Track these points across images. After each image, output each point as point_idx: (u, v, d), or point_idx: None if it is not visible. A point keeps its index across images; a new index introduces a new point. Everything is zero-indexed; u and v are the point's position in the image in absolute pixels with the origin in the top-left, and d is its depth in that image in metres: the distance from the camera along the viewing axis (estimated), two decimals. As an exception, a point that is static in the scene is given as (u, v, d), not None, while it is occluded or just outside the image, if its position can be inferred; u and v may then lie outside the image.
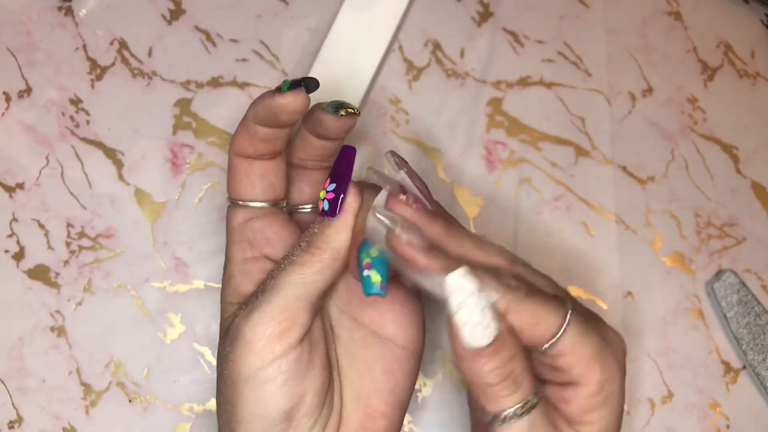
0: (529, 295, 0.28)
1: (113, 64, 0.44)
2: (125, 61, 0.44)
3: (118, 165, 0.43)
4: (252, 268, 0.32)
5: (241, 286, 0.32)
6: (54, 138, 0.43)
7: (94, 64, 0.44)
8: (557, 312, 0.28)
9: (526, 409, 0.27)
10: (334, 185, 0.30)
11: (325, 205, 0.30)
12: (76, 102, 0.43)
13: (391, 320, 0.33)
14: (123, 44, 0.44)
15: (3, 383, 0.41)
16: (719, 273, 0.43)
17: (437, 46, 0.45)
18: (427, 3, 0.45)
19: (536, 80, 0.45)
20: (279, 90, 0.30)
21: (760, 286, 0.43)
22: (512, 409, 0.27)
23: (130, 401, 0.41)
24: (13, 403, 0.41)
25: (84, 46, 0.44)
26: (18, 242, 0.42)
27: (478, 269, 0.27)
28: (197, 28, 0.44)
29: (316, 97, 0.41)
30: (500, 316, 0.27)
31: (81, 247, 0.42)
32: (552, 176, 0.44)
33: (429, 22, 0.45)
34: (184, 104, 0.43)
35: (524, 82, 0.45)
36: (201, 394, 0.41)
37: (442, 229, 0.30)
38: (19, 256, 0.42)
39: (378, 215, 0.29)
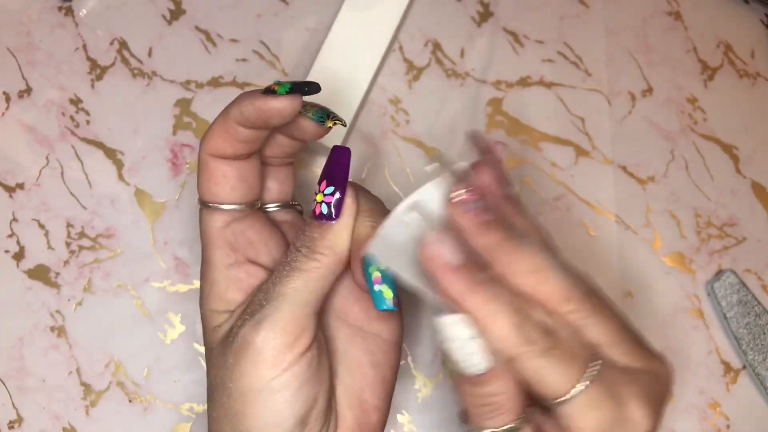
0: (544, 353, 0.26)
1: (113, 64, 0.44)
2: (125, 61, 0.44)
3: (118, 165, 0.43)
4: (238, 273, 0.31)
5: (228, 293, 0.31)
6: (54, 138, 0.43)
7: (94, 64, 0.44)
8: (570, 376, 0.26)
9: None
10: (332, 188, 0.29)
11: (323, 209, 0.30)
12: (76, 102, 0.43)
13: (376, 316, 0.33)
14: (123, 44, 0.44)
15: (3, 383, 0.41)
16: (719, 273, 0.43)
17: (437, 46, 0.45)
18: (427, 3, 0.45)
19: (536, 80, 0.45)
20: (271, 92, 0.29)
21: (760, 286, 0.43)
22: (490, 430, 0.27)
23: (130, 401, 0.41)
24: (13, 403, 0.41)
25: (84, 46, 0.44)
26: (18, 242, 0.42)
27: (499, 312, 0.25)
28: (197, 28, 0.44)
29: (313, 99, 0.41)
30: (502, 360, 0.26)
31: (81, 247, 0.42)
32: (552, 176, 0.44)
33: (429, 22, 0.45)
34: (184, 104, 0.43)
35: (524, 82, 0.45)
36: (201, 394, 0.41)
37: (495, 240, 0.27)
38: (19, 256, 0.42)
39: (403, 217, 0.28)
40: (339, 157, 0.30)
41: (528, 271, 0.27)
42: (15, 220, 0.42)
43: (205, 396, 0.41)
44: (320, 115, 0.31)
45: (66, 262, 0.42)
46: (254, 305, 0.30)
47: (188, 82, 0.44)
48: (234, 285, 0.31)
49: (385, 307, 0.29)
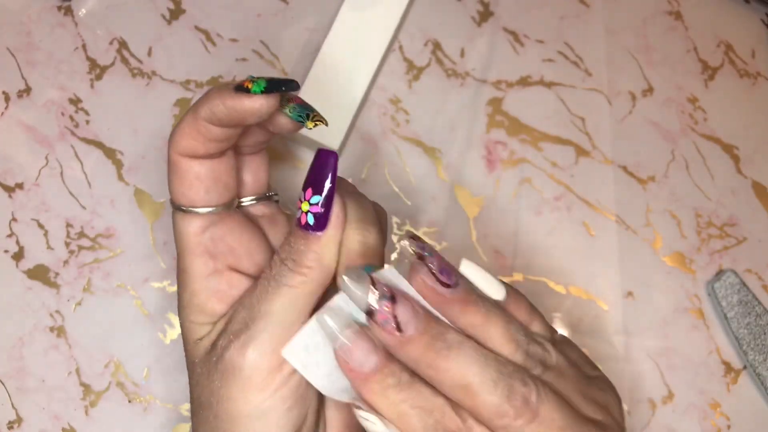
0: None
1: (113, 63, 0.44)
2: (125, 60, 0.44)
3: (118, 165, 0.43)
4: (219, 284, 0.29)
5: (209, 305, 0.29)
6: (54, 138, 0.43)
7: (93, 63, 0.44)
8: None
9: None
10: (318, 197, 0.27)
11: (310, 219, 0.27)
12: (75, 102, 0.43)
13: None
14: (123, 44, 0.44)
15: (2, 383, 0.41)
16: (719, 273, 0.43)
17: (437, 46, 0.45)
18: (427, 3, 0.45)
19: (536, 80, 0.45)
20: (244, 90, 0.27)
21: (760, 286, 0.43)
22: None
23: (130, 401, 0.41)
24: (12, 404, 0.40)
25: (84, 46, 0.44)
26: (17, 242, 0.42)
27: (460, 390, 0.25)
28: (197, 28, 0.44)
29: (313, 98, 0.41)
30: None
31: (81, 247, 0.42)
32: (552, 176, 0.44)
33: (429, 22, 0.45)
34: (184, 104, 0.43)
35: (524, 82, 0.45)
36: (201, 394, 0.41)
37: (414, 356, 0.26)
38: (18, 256, 0.42)
39: (324, 320, 0.26)
40: (325, 162, 0.27)
41: (453, 387, 0.25)
42: (14, 220, 0.42)
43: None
44: (299, 113, 0.28)
45: (65, 262, 0.42)
46: (238, 322, 0.28)
47: (188, 81, 0.44)
48: (215, 296, 0.29)
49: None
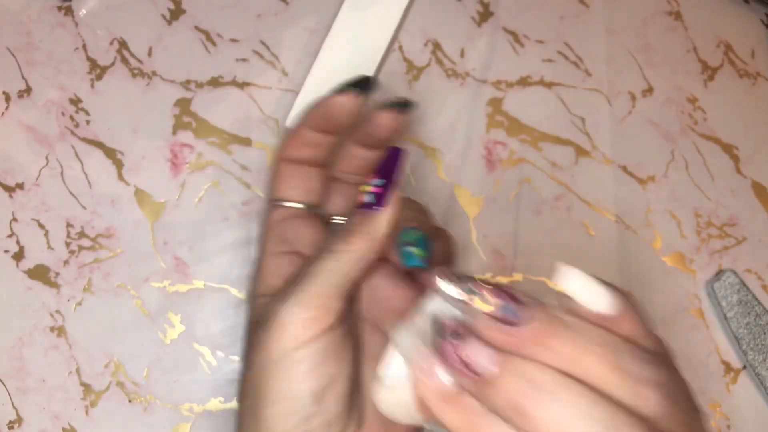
0: None
1: (113, 63, 0.44)
2: (125, 60, 0.44)
3: (118, 165, 0.43)
4: (283, 260, 0.33)
5: (270, 279, 0.33)
6: (54, 138, 0.43)
7: (93, 63, 0.44)
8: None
9: None
10: (382, 180, 0.31)
11: (370, 198, 0.31)
12: (75, 102, 0.43)
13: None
14: (123, 44, 0.44)
15: (3, 383, 0.41)
16: (719, 273, 0.43)
17: (437, 46, 0.45)
18: (427, 3, 0.45)
19: (536, 80, 0.45)
20: (337, 91, 0.32)
21: (760, 286, 0.43)
22: None
23: (130, 401, 0.41)
24: (12, 403, 0.40)
25: (84, 46, 0.44)
26: (18, 242, 0.42)
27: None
28: (197, 28, 0.44)
29: (314, 98, 0.41)
30: None
31: (81, 247, 0.42)
32: (552, 176, 0.44)
33: (429, 22, 0.45)
34: (184, 104, 0.43)
35: (524, 82, 0.45)
36: (201, 394, 0.41)
37: (531, 333, 0.22)
38: (18, 256, 0.42)
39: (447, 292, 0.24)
40: (392, 155, 0.32)
41: (583, 353, 0.22)
42: (15, 220, 0.42)
43: (205, 396, 0.41)
44: (395, 102, 0.32)
45: (66, 262, 0.42)
46: (288, 285, 0.31)
47: (188, 81, 0.44)
48: (276, 271, 0.33)
49: (412, 263, 0.30)
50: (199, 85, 0.44)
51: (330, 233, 0.32)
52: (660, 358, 0.24)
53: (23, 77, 0.43)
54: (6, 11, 0.44)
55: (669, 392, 0.22)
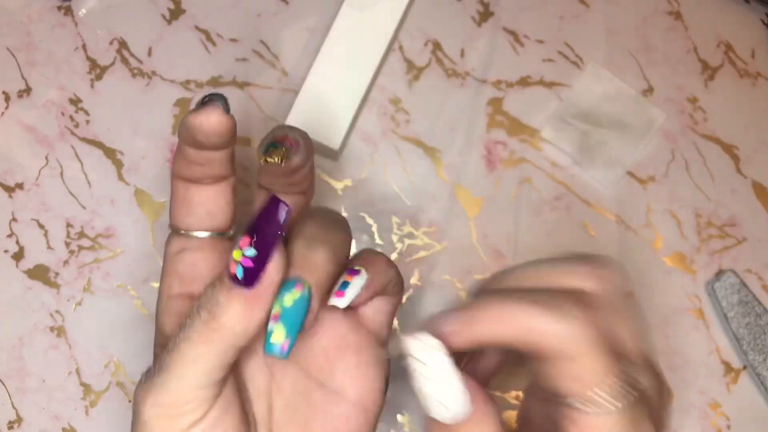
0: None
1: (113, 63, 0.44)
2: (125, 60, 0.44)
3: (118, 165, 0.43)
4: (174, 306, 0.28)
5: (164, 327, 0.28)
6: (54, 138, 0.43)
7: (93, 63, 0.44)
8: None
9: None
10: (253, 250, 0.24)
11: (238, 271, 0.24)
12: (75, 102, 0.43)
13: (342, 370, 0.28)
14: (123, 44, 0.44)
15: (2, 383, 0.41)
16: (719, 273, 0.43)
17: (437, 46, 0.45)
18: (427, 3, 0.45)
19: (536, 80, 0.45)
20: (194, 108, 0.26)
21: (760, 286, 0.43)
22: None
23: (130, 401, 0.41)
24: (12, 403, 0.40)
25: (84, 46, 0.44)
26: (17, 242, 0.42)
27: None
28: (197, 28, 0.44)
29: (313, 98, 0.41)
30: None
31: (81, 247, 0.42)
32: (552, 176, 0.44)
33: (429, 22, 0.45)
34: (183, 104, 0.43)
35: (524, 82, 0.45)
36: (201, 394, 0.41)
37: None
38: (18, 256, 0.42)
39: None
40: (270, 210, 0.25)
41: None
42: (14, 220, 0.42)
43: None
44: (265, 147, 0.27)
45: (65, 262, 0.42)
46: (157, 366, 0.26)
47: (188, 81, 0.44)
48: (170, 319, 0.28)
49: (269, 351, 0.25)
50: (199, 85, 0.44)
51: (195, 306, 0.25)
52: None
53: (23, 77, 0.43)
54: (6, 11, 0.44)
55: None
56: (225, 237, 0.29)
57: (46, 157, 0.43)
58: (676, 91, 0.45)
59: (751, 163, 0.45)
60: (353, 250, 0.38)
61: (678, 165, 0.44)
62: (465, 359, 0.29)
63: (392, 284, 0.29)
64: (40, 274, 0.42)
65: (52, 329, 0.41)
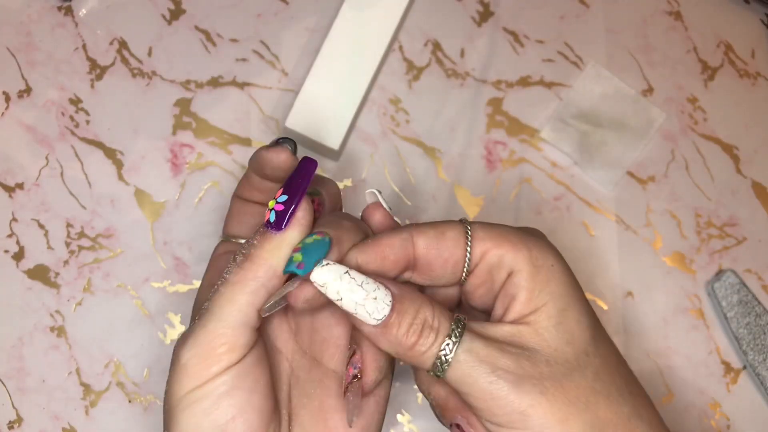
0: (416, 226, 0.29)
1: (113, 63, 0.44)
2: (125, 60, 0.44)
3: (118, 165, 0.43)
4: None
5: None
6: (54, 138, 0.43)
7: (93, 63, 0.44)
8: (455, 225, 0.29)
9: (456, 342, 0.27)
10: (285, 196, 0.28)
11: (272, 216, 0.28)
12: (75, 102, 0.43)
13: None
14: (123, 44, 0.44)
15: (3, 383, 0.41)
16: (719, 273, 0.43)
17: (437, 46, 0.45)
18: (427, 3, 0.45)
19: (536, 80, 0.45)
20: (269, 146, 0.31)
21: (760, 286, 0.43)
22: (443, 351, 0.27)
23: (130, 401, 0.41)
24: (12, 403, 0.40)
25: (84, 46, 0.44)
26: (18, 242, 0.42)
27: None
28: (197, 28, 0.44)
29: (313, 98, 0.41)
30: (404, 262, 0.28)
31: (81, 247, 0.42)
32: (552, 176, 0.44)
33: (429, 22, 0.45)
34: (184, 104, 0.43)
35: (524, 82, 0.45)
36: (201, 394, 0.41)
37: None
38: (18, 256, 0.42)
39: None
40: (302, 167, 0.29)
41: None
42: (15, 220, 0.42)
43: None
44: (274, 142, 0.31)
45: (66, 262, 0.42)
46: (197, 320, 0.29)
47: (188, 81, 0.44)
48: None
49: (288, 269, 0.27)
50: (199, 85, 0.44)
51: (232, 258, 0.29)
52: None
53: (23, 77, 0.43)
54: (6, 11, 0.44)
55: None
56: None
57: (47, 157, 0.43)
58: (675, 91, 0.45)
59: (750, 163, 0.45)
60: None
61: (678, 165, 0.44)
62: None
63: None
64: (40, 274, 0.42)
65: (52, 329, 0.41)
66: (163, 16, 0.44)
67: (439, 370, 0.27)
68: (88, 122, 0.43)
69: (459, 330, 0.27)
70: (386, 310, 0.27)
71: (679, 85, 0.45)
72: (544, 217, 0.43)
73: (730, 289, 0.42)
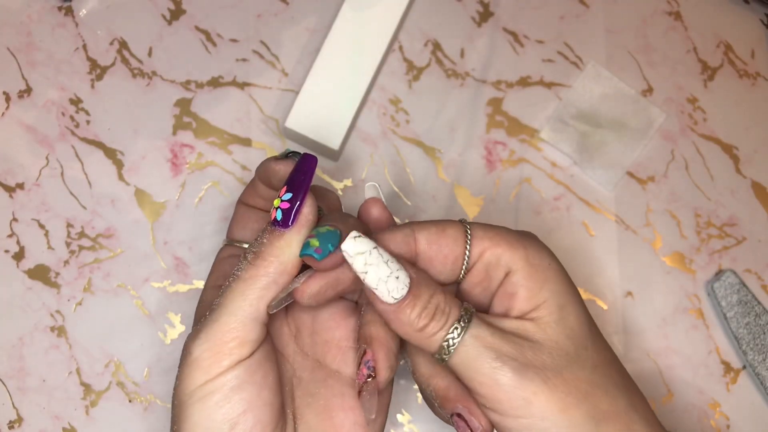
0: (417, 223, 0.30)
1: (113, 64, 0.44)
2: (125, 61, 0.44)
3: (118, 165, 0.43)
4: (215, 295, 0.31)
5: (207, 310, 0.31)
6: (54, 138, 0.43)
7: (94, 64, 0.44)
8: (455, 223, 0.30)
9: (464, 327, 0.28)
10: (290, 194, 0.29)
11: (278, 215, 0.29)
12: (76, 102, 0.43)
13: (354, 358, 0.31)
14: (123, 44, 0.44)
15: (3, 383, 0.41)
16: (719, 273, 0.43)
17: (437, 46, 0.45)
18: (427, 3, 0.45)
19: (536, 80, 0.45)
20: (278, 157, 0.32)
21: (760, 286, 0.43)
22: (452, 335, 0.28)
23: (130, 401, 0.41)
24: (13, 403, 0.41)
25: (84, 46, 0.44)
26: (18, 242, 0.42)
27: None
28: (197, 28, 0.44)
29: (313, 99, 0.41)
30: (409, 254, 0.29)
31: (81, 247, 0.42)
32: (552, 176, 0.44)
33: (429, 22, 0.45)
34: (184, 104, 0.43)
35: (524, 82, 0.45)
36: (201, 394, 0.41)
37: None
38: (19, 256, 0.42)
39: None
40: (302, 164, 0.29)
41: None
42: (15, 220, 0.42)
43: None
44: (284, 154, 0.32)
45: (66, 262, 0.42)
46: (204, 316, 0.30)
47: (188, 82, 0.44)
48: (211, 304, 0.31)
49: (305, 252, 0.28)
50: (199, 85, 0.44)
51: (242, 257, 0.30)
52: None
53: (23, 77, 0.43)
54: (6, 11, 0.44)
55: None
56: None
57: (47, 158, 0.43)
58: (675, 91, 0.45)
59: (750, 163, 0.45)
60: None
61: (677, 165, 0.44)
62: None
63: None
64: (40, 274, 0.42)
65: (52, 329, 0.41)
66: (164, 16, 0.44)
67: (445, 352, 0.28)
68: (88, 122, 0.43)
69: (467, 317, 0.28)
70: (404, 291, 0.28)
71: (679, 85, 0.45)
72: (544, 217, 0.43)
73: (729, 289, 0.42)
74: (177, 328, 0.41)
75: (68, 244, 0.42)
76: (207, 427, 0.28)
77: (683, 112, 0.45)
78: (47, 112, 0.43)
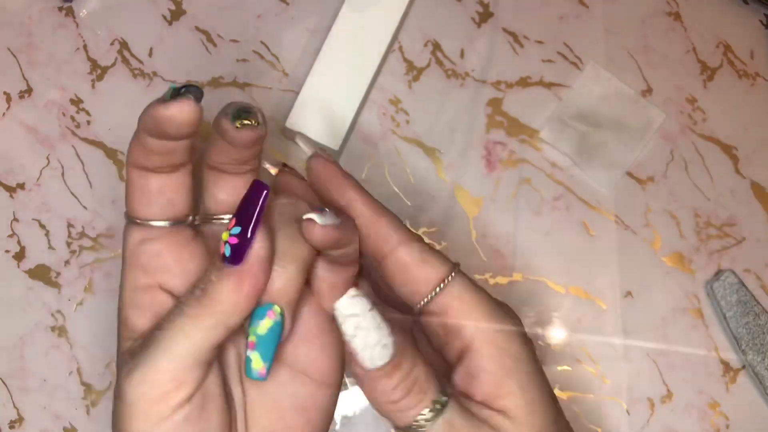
0: (418, 239, 0.29)
1: (114, 64, 0.44)
2: (126, 61, 0.44)
3: (119, 165, 0.43)
4: (143, 299, 0.28)
5: (131, 320, 0.28)
6: (55, 138, 0.43)
7: (94, 64, 0.44)
8: (444, 260, 0.28)
9: (438, 412, 0.27)
10: (238, 228, 0.25)
11: (227, 251, 0.25)
12: (76, 102, 0.43)
13: (305, 354, 0.29)
14: (124, 44, 0.44)
15: (4, 383, 0.41)
16: (718, 273, 0.43)
17: (437, 47, 0.45)
18: (427, 3, 0.45)
19: (536, 80, 0.45)
20: (163, 99, 0.26)
21: (759, 286, 0.43)
22: (424, 415, 0.27)
23: (130, 401, 0.41)
24: (14, 403, 0.41)
25: (85, 47, 0.44)
26: (19, 242, 0.42)
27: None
28: (197, 29, 0.44)
29: (313, 99, 0.41)
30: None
31: (82, 247, 0.42)
32: (552, 176, 0.44)
33: (429, 22, 0.45)
34: (184, 104, 0.43)
35: (524, 82, 0.45)
36: (201, 393, 0.41)
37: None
38: (19, 256, 0.42)
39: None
40: (252, 192, 0.26)
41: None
42: (16, 220, 0.42)
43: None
44: (234, 114, 0.27)
45: (67, 262, 0.42)
46: (141, 345, 0.26)
47: (188, 82, 0.44)
48: (138, 312, 0.28)
49: (251, 376, 0.26)
50: (200, 86, 0.44)
51: (190, 286, 0.26)
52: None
53: (24, 77, 0.43)
54: (7, 11, 0.44)
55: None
56: (185, 225, 0.29)
57: (48, 158, 0.43)
58: (675, 92, 0.45)
59: (749, 163, 0.45)
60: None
61: (677, 165, 0.44)
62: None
63: (352, 250, 0.29)
64: (41, 274, 0.42)
65: (53, 329, 0.41)
66: (164, 17, 0.44)
67: (413, 430, 0.27)
68: (89, 122, 0.43)
69: (443, 400, 0.27)
70: (387, 359, 0.26)
71: (679, 85, 0.45)
72: (544, 217, 0.43)
73: (729, 289, 0.42)
74: (177, 328, 0.41)
75: (69, 244, 0.42)
76: None
77: (683, 112, 0.45)
78: (48, 113, 0.43)
